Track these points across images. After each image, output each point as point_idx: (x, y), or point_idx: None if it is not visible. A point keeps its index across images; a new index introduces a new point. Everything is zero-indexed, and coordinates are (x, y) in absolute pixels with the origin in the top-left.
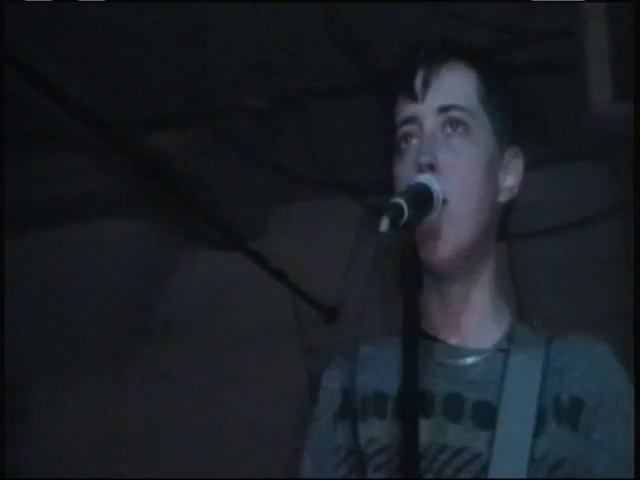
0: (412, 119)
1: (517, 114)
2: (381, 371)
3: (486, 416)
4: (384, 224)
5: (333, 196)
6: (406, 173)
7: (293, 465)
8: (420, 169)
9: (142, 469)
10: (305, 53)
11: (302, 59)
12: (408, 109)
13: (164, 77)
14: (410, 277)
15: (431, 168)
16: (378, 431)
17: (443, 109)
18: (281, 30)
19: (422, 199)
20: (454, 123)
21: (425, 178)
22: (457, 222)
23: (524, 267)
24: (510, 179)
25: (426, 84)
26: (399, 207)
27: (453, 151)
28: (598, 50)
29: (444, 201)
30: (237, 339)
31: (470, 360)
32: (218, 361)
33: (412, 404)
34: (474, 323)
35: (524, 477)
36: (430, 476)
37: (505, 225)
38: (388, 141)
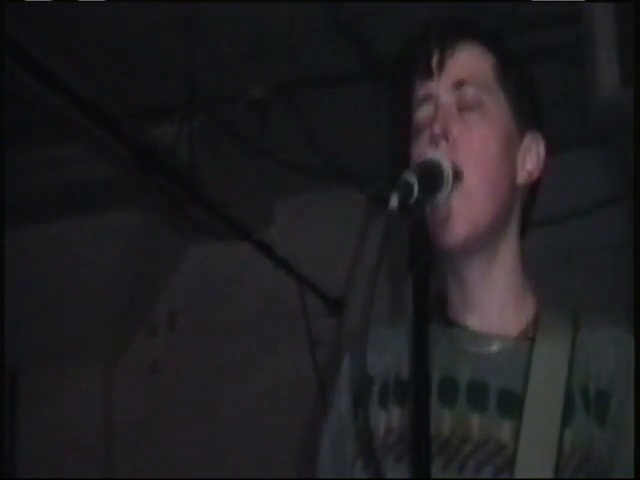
0: (428, 97)
1: (537, 99)
2: (400, 354)
3: (511, 406)
4: (393, 201)
5: (337, 186)
6: (421, 152)
7: (295, 456)
8: (434, 139)
9: (141, 459)
10: (304, 41)
11: (302, 48)
12: (424, 87)
13: (164, 67)
14: (419, 258)
15: (445, 137)
16: (397, 420)
17: (458, 84)
18: (280, 19)
19: (432, 175)
20: (469, 98)
21: (435, 153)
22: (471, 200)
23: (531, 255)
24: (529, 162)
25: (442, 61)
26: (409, 184)
27: (468, 126)
28: (605, 35)
29: (458, 175)
30: (239, 330)
31: (495, 347)
32: (220, 352)
33: (423, 391)
34: (495, 308)
35: (552, 470)
36: (454, 468)
37: (528, 209)
38: (404, 123)
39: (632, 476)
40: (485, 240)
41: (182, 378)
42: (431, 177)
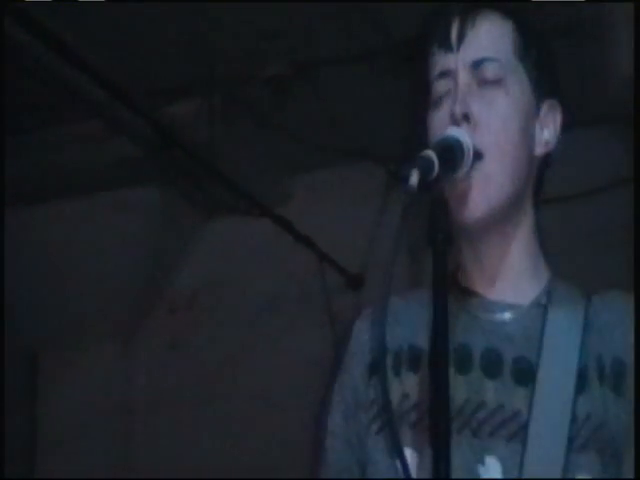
0: (447, 73)
1: (555, 66)
2: (414, 324)
3: (525, 373)
4: (414, 177)
5: (355, 163)
6: (441, 126)
7: (313, 434)
8: (454, 120)
9: (160, 437)
10: (322, 19)
11: (319, 25)
12: (443, 61)
13: (182, 46)
14: (439, 232)
15: (466, 118)
16: (412, 386)
17: (477, 63)
18: None
19: (452, 153)
20: (489, 76)
21: (455, 131)
22: (491, 178)
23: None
24: (547, 132)
25: (461, 34)
26: (429, 160)
27: (488, 104)
28: (625, 14)
29: (478, 155)
30: (258, 308)
31: (508, 315)
32: (238, 329)
33: (442, 361)
34: (511, 277)
35: (565, 437)
36: (467, 434)
37: (541, 179)
38: (422, 93)
39: None
40: (503, 214)
41: (201, 356)
42: (451, 154)
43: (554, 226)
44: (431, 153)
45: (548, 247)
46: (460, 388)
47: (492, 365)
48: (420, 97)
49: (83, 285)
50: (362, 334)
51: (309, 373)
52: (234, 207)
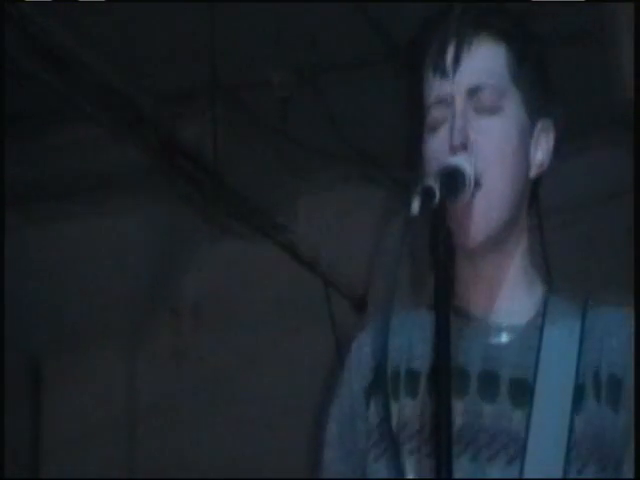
0: (443, 100)
1: (549, 84)
2: (411, 346)
3: (523, 394)
4: (415, 206)
5: (359, 170)
6: (437, 152)
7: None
8: (453, 150)
9: (165, 444)
10: (325, 26)
11: (322, 32)
12: (438, 87)
13: (185, 54)
14: (441, 255)
15: (464, 148)
16: (410, 412)
17: (474, 89)
18: (300, 4)
19: (454, 181)
20: (485, 104)
21: (457, 160)
22: (490, 203)
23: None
24: (540, 153)
25: (457, 60)
26: (430, 189)
27: (485, 130)
28: (628, 20)
29: (477, 184)
30: (262, 315)
31: (504, 336)
32: (243, 337)
33: (446, 385)
34: (507, 296)
35: (563, 458)
36: (466, 459)
37: (535, 196)
38: (416, 116)
39: None
40: (502, 236)
41: (205, 363)
42: (453, 183)
43: (555, 235)
44: (432, 183)
45: (550, 257)
46: (457, 412)
47: (489, 388)
48: (416, 120)
49: (85, 293)
50: (360, 353)
51: (311, 382)
52: (238, 219)
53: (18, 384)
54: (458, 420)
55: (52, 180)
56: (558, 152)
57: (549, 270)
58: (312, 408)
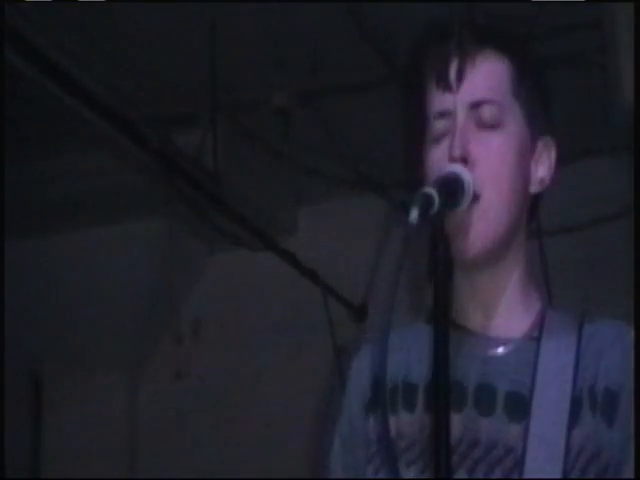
0: (445, 113)
1: (549, 102)
2: (408, 360)
3: (519, 408)
4: (413, 214)
5: (360, 192)
6: (439, 163)
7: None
8: (453, 161)
9: (165, 467)
10: (327, 48)
11: (325, 54)
12: (441, 101)
13: (187, 74)
14: (440, 268)
15: (464, 161)
16: (408, 425)
17: (476, 104)
18: (303, 26)
19: (453, 189)
20: (487, 119)
21: (456, 167)
22: (489, 216)
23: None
24: (542, 170)
25: (460, 74)
26: (429, 197)
27: (486, 144)
28: (626, 43)
29: (475, 197)
30: (263, 337)
31: (501, 350)
32: (244, 359)
33: (444, 399)
34: (504, 311)
35: (560, 471)
36: (462, 472)
37: (534, 211)
38: (418, 129)
39: None
40: (500, 249)
41: (206, 385)
42: (452, 190)
43: (556, 256)
44: (432, 189)
45: (551, 277)
46: (454, 426)
47: (485, 402)
48: (417, 132)
49: (87, 315)
50: (360, 370)
51: (313, 402)
52: (238, 238)
53: (18, 403)
54: (455, 433)
55: (56, 205)
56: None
57: (548, 285)
58: (313, 428)
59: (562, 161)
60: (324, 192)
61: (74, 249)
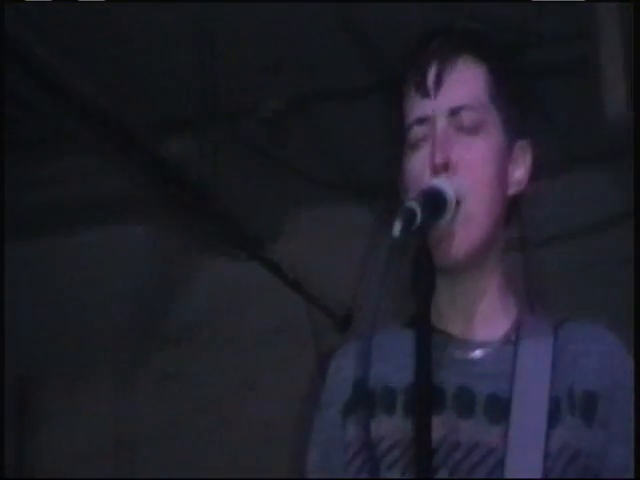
0: (424, 119)
1: (525, 106)
2: (387, 364)
3: (498, 410)
4: (397, 228)
5: (351, 199)
6: (419, 171)
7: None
8: (434, 169)
9: (155, 472)
10: (320, 55)
11: (317, 61)
12: (420, 107)
13: (180, 80)
14: (423, 279)
15: (445, 167)
16: (388, 428)
17: (455, 110)
18: (296, 33)
19: (435, 203)
20: (466, 124)
21: (439, 182)
22: (470, 221)
23: (539, 272)
24: (519, 172)
25: (439, 80)
26: (412, 211)
27: (465, 149)
28: (612, 54)
29: (458, 201)
30: (253, 342)
31: (479, 353)
32: (234, 364)
33: (426, 404)
34: (483, 315)
35: (540, 470)
36: (444, 474)
37: (516, 213)
38: (398, 135)
39: (625, 475)
40: (481, 254)
41: (196, 391)
42: (434, 204)
43: (553, 263)
44: (414, 203)
45: (548, 283)
46: (435, 428)
47: (465, 404)
48: (397, 137)
49: (78, 318)
50: (338, 372)
51: (304, 409)
52: (226, 245)
53: (7, 412)
54: (435, 436)
55: (46, 210)
56: (538, 172)
57: (528, 287)
58: (306, 437)
59: (561, 167)
60: (316, 197)
61: (62, 254)
